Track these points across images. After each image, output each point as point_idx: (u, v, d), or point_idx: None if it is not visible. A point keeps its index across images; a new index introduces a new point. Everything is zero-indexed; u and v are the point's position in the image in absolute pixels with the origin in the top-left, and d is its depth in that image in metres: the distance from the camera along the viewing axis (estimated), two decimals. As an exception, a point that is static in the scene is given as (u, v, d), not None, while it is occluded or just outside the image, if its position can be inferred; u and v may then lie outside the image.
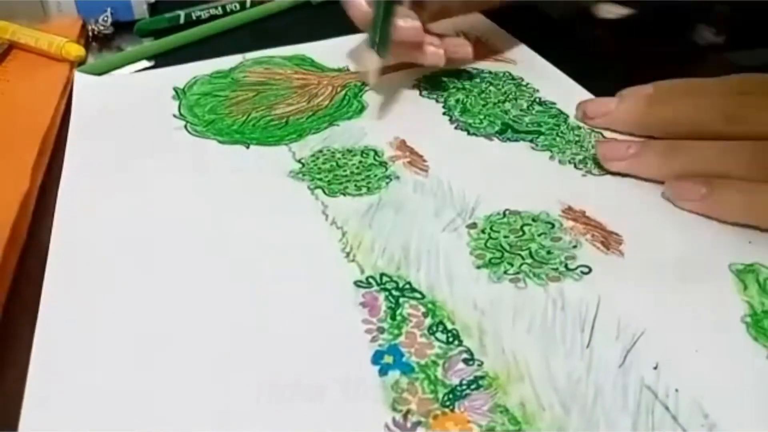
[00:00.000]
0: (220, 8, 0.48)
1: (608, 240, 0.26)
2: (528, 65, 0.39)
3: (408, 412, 0.20)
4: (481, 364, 0.21)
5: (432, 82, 0.38)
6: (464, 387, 0.21)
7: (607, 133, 0.32)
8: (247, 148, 0.33)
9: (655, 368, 0.21)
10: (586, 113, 0.33)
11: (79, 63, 0.43)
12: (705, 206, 0.26)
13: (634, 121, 0.31)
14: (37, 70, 0.42)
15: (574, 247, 0.26)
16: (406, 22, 0.33)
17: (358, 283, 0.25)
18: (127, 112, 0.37)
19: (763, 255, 0.25)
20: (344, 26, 0.45)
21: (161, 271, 0.26)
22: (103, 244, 0.27)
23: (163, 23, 0.47)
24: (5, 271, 0.26)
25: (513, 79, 0.38)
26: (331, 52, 0.42)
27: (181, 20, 0.47)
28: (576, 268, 0.25)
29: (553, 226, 0.27)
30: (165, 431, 0.20)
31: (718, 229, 0.26)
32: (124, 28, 0.48)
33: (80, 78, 0.40)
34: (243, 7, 0.48)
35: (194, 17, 0.48)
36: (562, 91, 0.36)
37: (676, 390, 0.20)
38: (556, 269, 0.25)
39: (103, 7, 0.48)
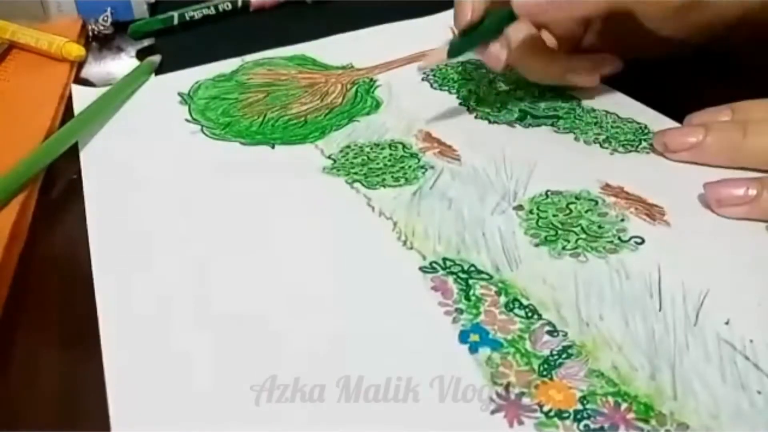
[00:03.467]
0: (212, 8, 0.48)
1: (652, 212, 0.27)
2: None
3: (509, 384, 0.21)
4: (565, 335, 0.22)
5: (439, 75, 0.39)
6: (556, 356, 0.21)
7: (636, 118, 0.33)
8: (273, 148, 0.33)
9: (727, 323, 0.22)
10: (667, 146, 0.30)
11: (80, 63, 0.43)
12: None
13: (728, 155, 0.29)
14: (37, 70, 0.42)
15: (622, 220, 0.27)
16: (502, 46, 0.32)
17: (423, 269, 0.25)
18: (135, 119, 0.37)
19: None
20: (337, 24, 0.46)
21: (209, 280, 0.25)
22: (145, 256, 0.27)
23: (157, 25, 0.47)
24: (5, 272, 0.26)
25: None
26: (331, 50, 0.43)
27: (175, 21, 0.47)
28: (629, 240, 0.26)
29: (596, 202, 0.28)
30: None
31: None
32: (124, 28, 0.47)
33: (78, 91, 0.39)
34: (235, 6, 0.48)
35: (188, 18, 0.47)
36: None
37: (751, 341, 0.22)
38: (611, 242, 0.26)
39: (103, 7, 0.47)
